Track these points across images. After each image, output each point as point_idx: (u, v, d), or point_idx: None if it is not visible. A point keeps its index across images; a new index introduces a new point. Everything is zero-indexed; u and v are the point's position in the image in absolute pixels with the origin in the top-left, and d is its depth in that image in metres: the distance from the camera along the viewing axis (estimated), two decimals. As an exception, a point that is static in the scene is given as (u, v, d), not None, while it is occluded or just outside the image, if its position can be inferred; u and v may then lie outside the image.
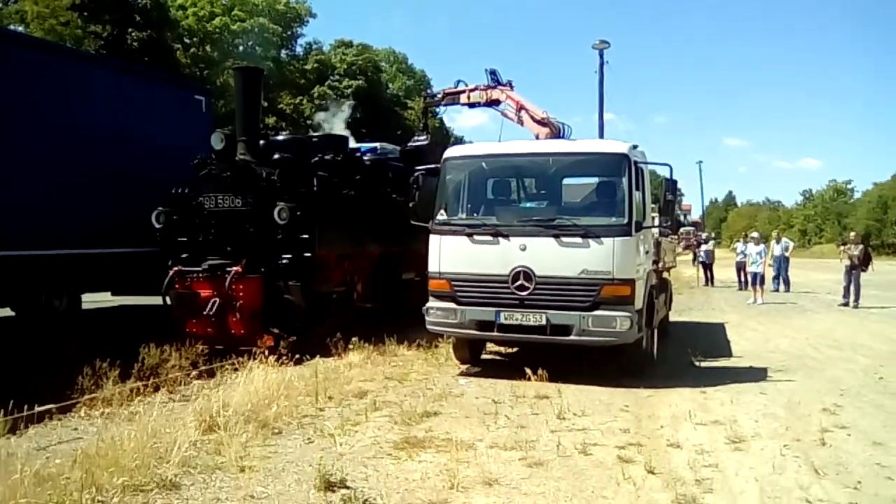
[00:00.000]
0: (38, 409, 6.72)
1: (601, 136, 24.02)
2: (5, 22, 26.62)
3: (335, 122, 21.82)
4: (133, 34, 34.33)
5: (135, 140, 12.27)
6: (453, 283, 8.68)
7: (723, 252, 42.52)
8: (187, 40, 42.30)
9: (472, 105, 15.49)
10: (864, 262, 18.02)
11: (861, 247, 18.38)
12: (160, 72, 23.52)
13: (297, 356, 8.82)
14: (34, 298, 11.47)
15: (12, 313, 11.91)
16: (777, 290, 21.79)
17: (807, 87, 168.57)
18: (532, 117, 14.12)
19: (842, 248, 20.13)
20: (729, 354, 10.80)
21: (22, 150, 10.54)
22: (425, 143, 14.90)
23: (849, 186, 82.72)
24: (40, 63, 11.18)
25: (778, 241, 23.03)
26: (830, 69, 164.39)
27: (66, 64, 12.08)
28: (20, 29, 26.08)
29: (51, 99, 11.09)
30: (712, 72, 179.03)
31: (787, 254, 22.51)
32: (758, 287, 19.55)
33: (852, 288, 17.96)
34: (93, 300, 13.66)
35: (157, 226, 10.83)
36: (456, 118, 76.55)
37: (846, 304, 17.91)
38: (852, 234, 21.32)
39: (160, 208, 10.85)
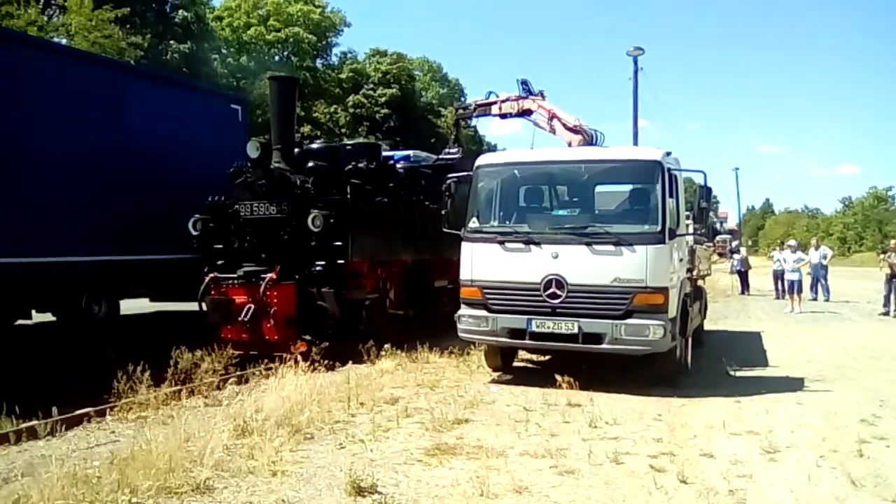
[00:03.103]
0: (76, 412, 6.90)
1: (635, 143, 23.91)
2: (50, 34, 27.20)
3: None
4: (172, 45, 34.95)
5: (171, 148, 12.50)
6: (485, 290, 8.68)
7: (760, 260, 41.89)
8: (224, 51, 42.91)
9: (503, 116, 15.49)
10: (905, 271, 17.64)
11: (902, 255, 17.99)
12: (197, 82, 23.93)
13: (330, 362, 8.89)
14: (74, 304, 11.71)
15: (53, 318, 12.18)
16: (815, 299, 21.44)
17: (845, 93, 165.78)
18: (564, 125, 14.08)
19: (882, 256, 19.72)
20: (765, 364, 10.64)
21: (61, 158, 10.78)
22: (456, 156, 14.87)
23: (889, 193, 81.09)
24: (81, 74, 11.44)
25: (817, 249, 22.67)
26: (869, 74, 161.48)
27: (105, 75, 12.34)
28: (64, 41, 26.63)
29: (90, 109, 11.34)
30: (747, 78, 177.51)
31: (825, 262, 22.12)
32: (795, 295, 19.24)
33: (892, 297, 17.60)
34: (131, 306, 13.90)
35: (194, 233, 11.02)
36: (489, 126, 76.73)
37: (886, 314, 17.56)
38: (893, 242, 20.87)
39: (197, 216, 11.04)
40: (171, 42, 35.16)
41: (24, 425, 6.39)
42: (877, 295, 19.46)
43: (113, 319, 12.46)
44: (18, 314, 11.51)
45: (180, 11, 37.17)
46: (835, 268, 26.44)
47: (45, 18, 29.70)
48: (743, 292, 25.59)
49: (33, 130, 10.46)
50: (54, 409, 6.78)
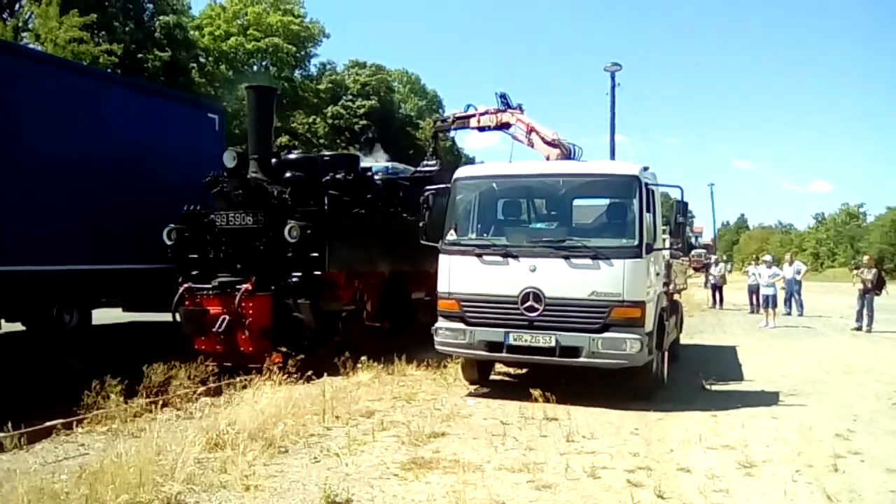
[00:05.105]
0: (45, 424, 6.75)
1: (612, 157, 24.08)
2: (20, 38, 26.96)
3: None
4: (153, 53, 34.75)
5: (147, 157, 12.35)
6: (462, 303, 8.65)
7: (735, 275, 42.19)
8: (202, 59, 42.74)
9: (482, 129, 15.47)
10: (877, 286, 17.88)
11: (874, 271, 18.24)
12: (174, 90, 23.75)
13: (306, 374, 8.80)
14: (45, 313, 11.51)
15: (23, 328, 11.96)
16: (789, 314, 21.64)
17: (817, 111, 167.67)
18: (542, 139, 14.09)
19: (855, 271, 19.98)
20: (740, 378, 10.69)
21: (34, 166, 10.62)
22: (435, 169, 14.86)
23: (861, 210, 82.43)
24: (54, 80, 11.30)
25: (790, 264, 22.91)
26: (841, 92, 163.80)
27: (80, 82, 12.20)
28: (33, 45, 26.38)
29: (64, 116, 11.18)
30: (723, 94, 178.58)
31: (798, 277, 22.36)
32: (770, 310, 19.41)
33: (865, 312, 17.80)
34: (103, 316, 13.72)
35: (169, 242, 10.88)
36: (466, 139, 76.70)
37: (859, 329, 17.76)
38: (865, 257, 21.17)
39: (172, 225, 10.91)
40: (154, 50, 34.98)
41: (-10, 437, 6.24)
42: (849, 310, 19.71)
43: (85, 329, 12.26)
44: (-13, 323, 11.29)
45: (161, 17, 37.01)
46: (808, 283, 26.75)
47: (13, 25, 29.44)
48: (714, 306, 25.77)
49: (5, 137, 10.29)
50: (22, 421, 6.62)
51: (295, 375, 8.49)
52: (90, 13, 28.87)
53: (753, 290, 22.39)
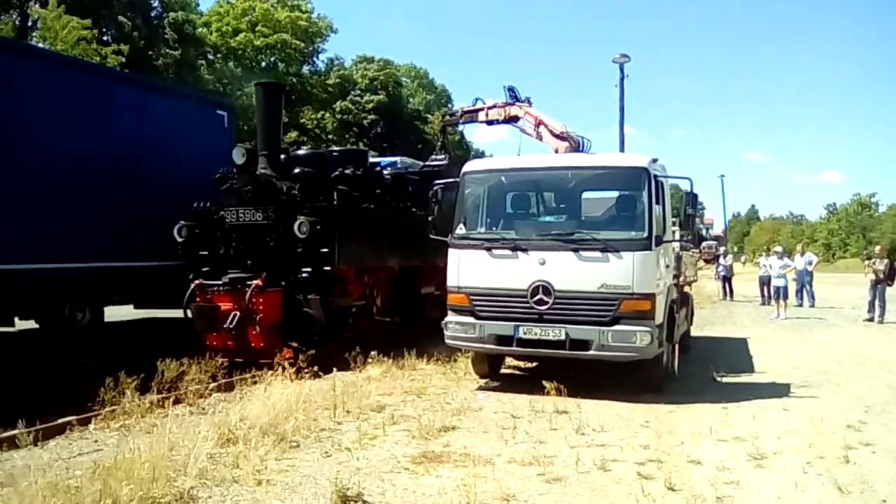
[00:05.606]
0: (59, 420, 6.81)
1: (621, 149, 24.02)
2: (30, 38, 27.11)
3: None
4: (161, 51, 34.87)
5: (157, 155, 12.40)
6: (472, 297, 8.66)
7: (748, 266, 41.98)
8: (211, 56, 42.87)
9: (490, 122, 15.49)
10: (889, 277, 17.78)
11: (886, 261, 18.14)
12: (182, 87, 23.81)
13: (316, 370, 8.83)
14: (57, 311, 11.59)
15: (36, 326, 12.05)
16: (800, 305, 21.55)
17: (827, 101, 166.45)
18: (551, 132, 14.08)
19: (867, 262, 19.87)
20: (751, 370, 10.67)
21: (45, 164, 10.68)
22: (443, 163, 14.85)
23: (873, 200, 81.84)
24: (64, 79, 11.34)
25: (802, 255, 22.80)
26: (851, 82, 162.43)
27: (87, 80, 12.24)
28: (41, 45, 26.50)
29: (74, 114, 11.24)
30: (731, 86, 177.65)
31: (810, 268, 22.26)
32: (781, 301, 19.33)
33: (877, 303, 17.72)
34: (115, 313, 13.80)
35: (179, 239, 10.94)
36: (475, 132, 76.47)
37: (871, 319, 17.68)
38: (877, 248, 21.04)
39: (182, 222, 10.95)
40: (164, 50, 35.14)
41: (5, 434, 6.30)
42: (861, 301, 19.61)
43: (97, 327, 12.34)
44: (1, 321, 11.37)
45: (169, 14, 37.15)
46: (820, 274, 26.64)
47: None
48: (725, 298, 25.69)
49: (14, 136, 10.35)
50: (36, 418, 6.68)
51: (306, 371, 8.53)
52: (96, 11, 28.98)
53: (764, 282, 22.30)
